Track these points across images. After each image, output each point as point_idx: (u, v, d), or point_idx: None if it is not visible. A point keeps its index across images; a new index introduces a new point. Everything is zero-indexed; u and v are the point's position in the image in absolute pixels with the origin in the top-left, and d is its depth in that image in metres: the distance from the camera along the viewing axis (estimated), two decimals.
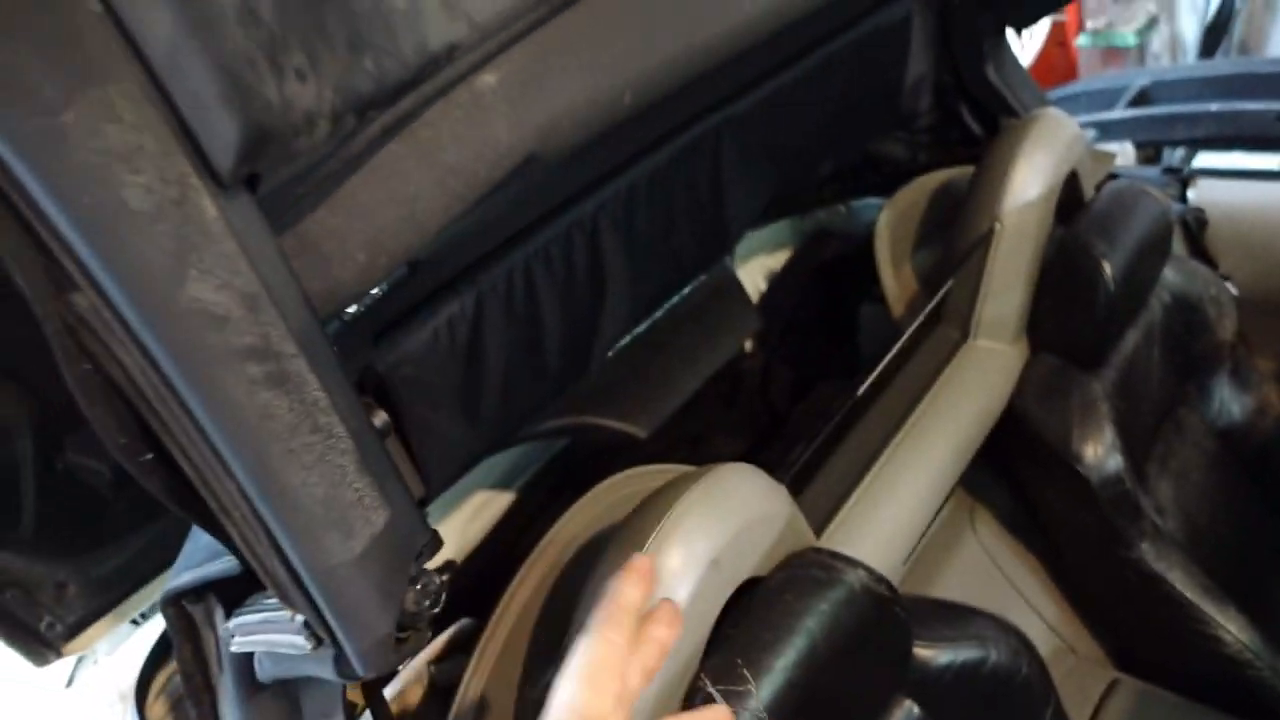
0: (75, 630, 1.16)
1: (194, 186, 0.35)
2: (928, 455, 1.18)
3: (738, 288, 1.44)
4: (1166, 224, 1.34)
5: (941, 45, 1.57)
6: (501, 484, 1.45)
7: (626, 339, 1.26)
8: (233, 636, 0.57)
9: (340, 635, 0.45)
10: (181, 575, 0.62)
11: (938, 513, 1.42)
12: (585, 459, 1.54)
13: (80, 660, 1.23)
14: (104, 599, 1.18)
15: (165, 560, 1.22)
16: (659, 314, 1.33)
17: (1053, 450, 1.23)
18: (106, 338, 0.37)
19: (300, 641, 0.48)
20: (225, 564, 0.57)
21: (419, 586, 0.50)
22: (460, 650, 1.10)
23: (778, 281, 1.98)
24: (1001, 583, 1.40)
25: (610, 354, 1.22)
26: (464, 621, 1.16)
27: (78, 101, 0.30)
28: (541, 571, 0.94)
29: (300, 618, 0.48)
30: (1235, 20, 3.98)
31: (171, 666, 1.21)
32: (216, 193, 0.36)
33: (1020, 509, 1.42)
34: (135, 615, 1.25)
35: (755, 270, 1.97)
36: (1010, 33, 1.60)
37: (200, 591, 0.63)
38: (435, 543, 0.49)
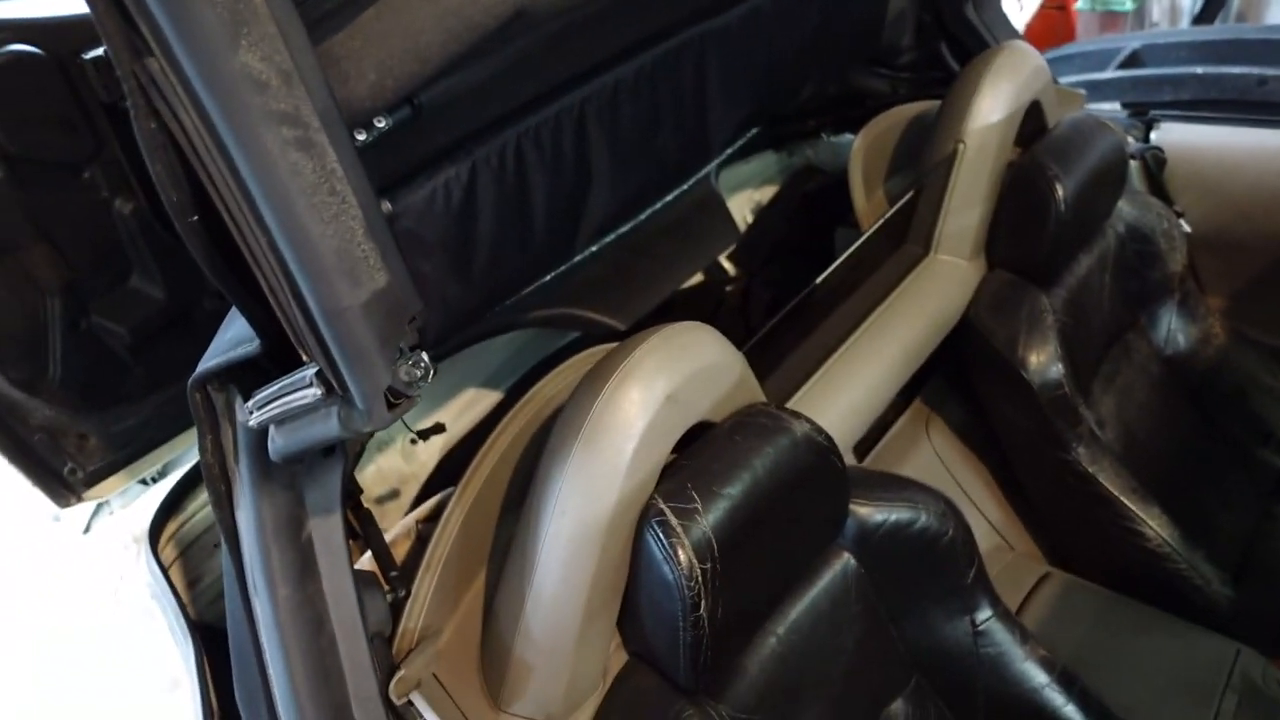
0: (95, 479, 1.27)
1: None
2: (883, 351, 1.28)
3: (719, 202, 1.54)
4: (1122, 156, 1.43)
5: None
6: (490, 384, 1.56)
7: (611, 237, 1.36)
8: (250, 414, 0.68)
9: (347, 377, 0.56)
10: (209, 362, 0.72)
11: (895, 419, 1.53)
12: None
13: (98, 509, 1.34)
14: (121, 453, 1.29)
15: (174, 429, 1.33)
16: (642, 219, 1.42)
17: (1000, 356, 1.34)
18: (170, 98, 0.47)
19: (312, 392, 0.58)
20: (248, 348, 0.67)
21: (410, 362, 0.60)
22: None
23: (763, 212, 2.08)
24: (951, 485, 1.51)
25: (595, 250, 1.32)
26: (451, 489, 1.28)
27: None
28: (519, 425, 1.05)
29: (312, 369, 0.58)
30: None
31: (182, 516, 1.33)
32: None
33: (972, 420, 1.53)
34: (147, 475, 1.36)
35: (743, 202, 2.07)
36: None
37: (223, 377, 0.73)
38: (424, 314, 0.59)
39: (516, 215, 1.01)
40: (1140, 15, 3.96)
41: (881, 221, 1.34)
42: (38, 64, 1.02)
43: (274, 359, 0.67)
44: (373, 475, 1.43)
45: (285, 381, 0.62)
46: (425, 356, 0.61)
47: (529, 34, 0.70)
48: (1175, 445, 1.53)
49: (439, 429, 1.23)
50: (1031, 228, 1.35)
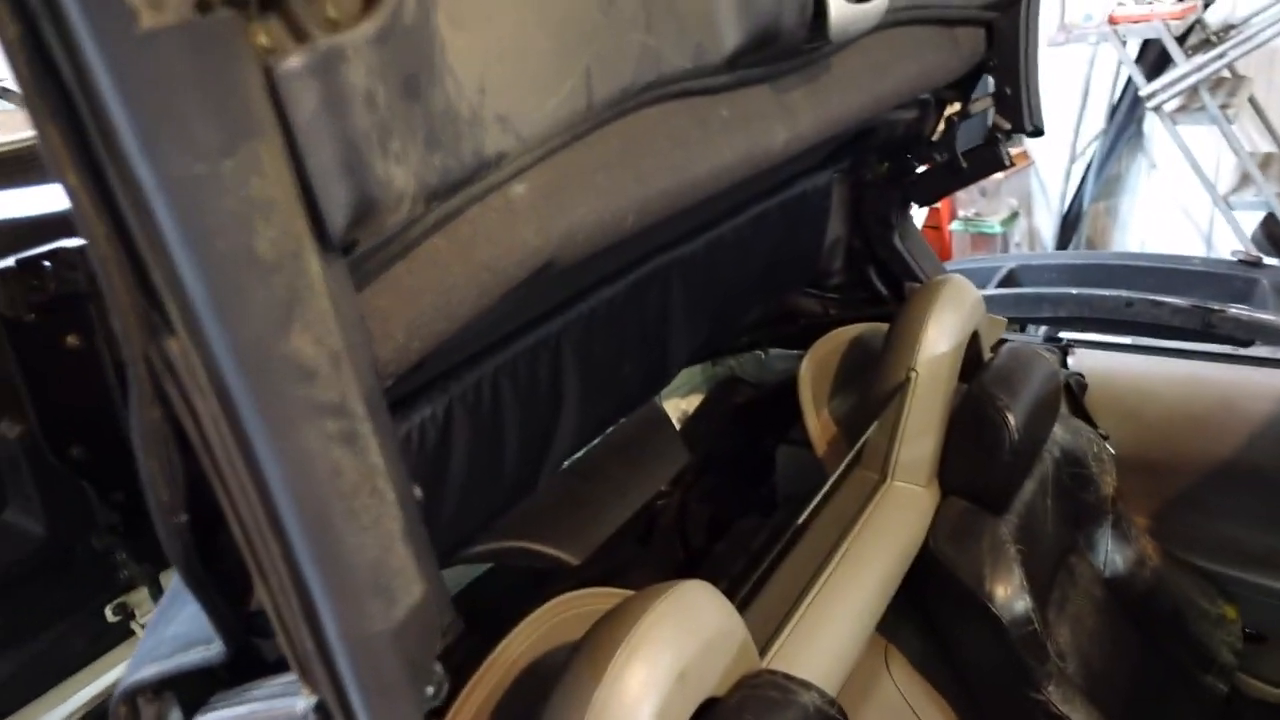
0: None
1: (306, 244, 0.37)
2: (857, 589, 1.21)
3: (667, 423, 1.49)
4: (1057, 382, 1.47)
5: (855, 214, 1.73)
6: None
7: (564, 465, 1.28)
8: None
9: (362, 716, 0.44)
10: (143, 668, 0.58)
11: None
12: (500, 590, 1.50)
13: None
14: None
15: (29, 693, 1.11)
16: (594, 445, 1.35)
17: (967, 590, 1.29)
18: (187, 385, 0.37)
19: None
20: (207, 653, 0.54)
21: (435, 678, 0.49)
22: None
23: (691, 423, 2.05)
24: None
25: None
26: None
27: (238, 150, 0.33)
28: (482, 695, 0.91)
29: (308, 702, 0.46)
30: (1083, 220, 4.52)
31: None
32: (322, 253, 0.38)
33: (933, 651, 1.46)
34: None
35: (670, 410, 2.03)
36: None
37: (160, 687, 0.58)
38: (455, 625, 0.48)
39: (489, 451, 0.92)
40: (1006, 238, 4.37)
41: (852, 455, 1.31)
42: None
43: (233, 666, 0.54)
44: None
45: (260, 707, 0.49)
46: (439, 668, 0.50)
47: (548, 277, 0.64)
48: (1127, 674, 1.50)
49: None
50: (985, 456, 1.35)
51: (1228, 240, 4.05)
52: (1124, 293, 2.49)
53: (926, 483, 1.41)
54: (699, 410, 2.08)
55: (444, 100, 0.48)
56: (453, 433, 0.85)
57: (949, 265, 3.05)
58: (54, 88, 0.32)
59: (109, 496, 1.09)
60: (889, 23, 1.07)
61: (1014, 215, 4.30)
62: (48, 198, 1.01)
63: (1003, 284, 3.05)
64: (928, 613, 1.42)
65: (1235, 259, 2.68)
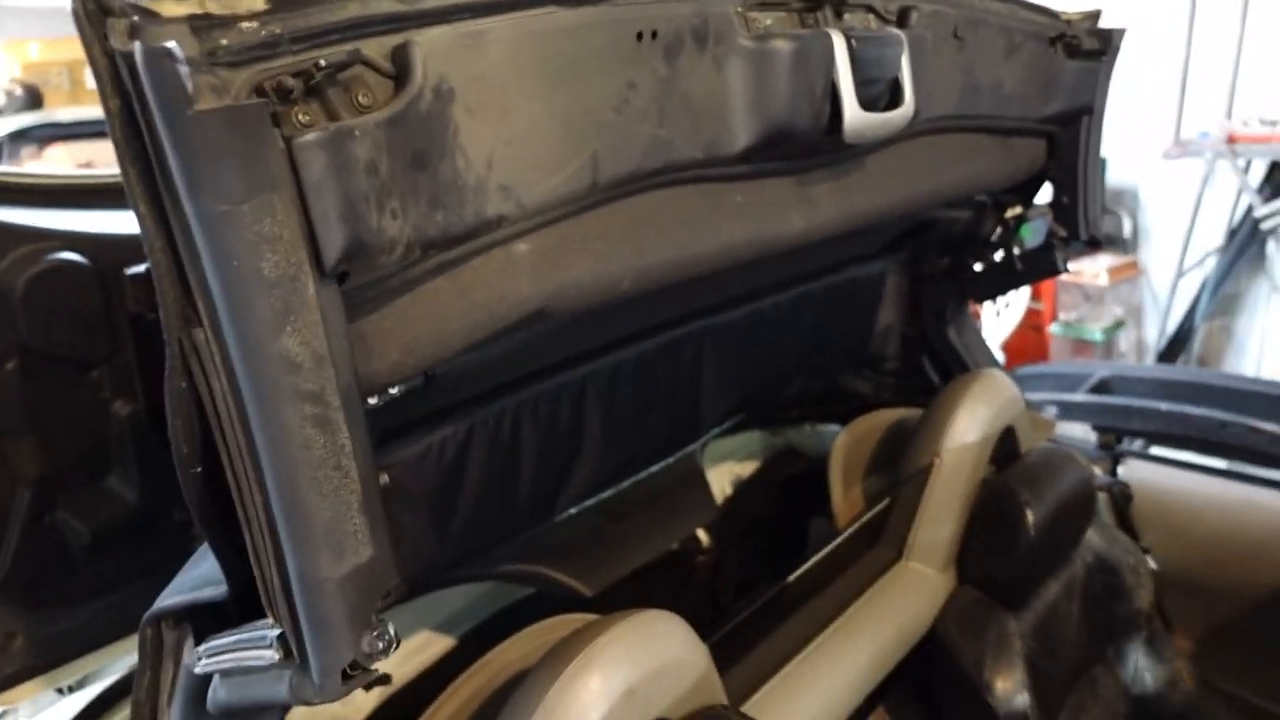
0: (9, 683, 1.19)
1: (305, 271, 0.50)
2: (849, 656, 1.26)
3: (700, 476, 1.57)
4: (1089, 488, 1.48)
5: (911, 304, 1.79)
6: (442, 630, 1.51)
7: (591, 502, 1.38)
8: (200, 659, 0.65)
9: (309, 646, 0.55)
10: (169, 599, 0.71)
11: None
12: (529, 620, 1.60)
13: (2, 715, 1.25)
14: (44, 658, 1.22)
15: (106, 638, 1.27)
16: (625, 486, 1.45)
17: (967, 677, 1.31)
18: (207, 365, 0.50)
19: (270, 654, 0.57)
20: (214, 592, 0.66)
21: (375, 632, 0.60)
22: None
23: (742, 488, 2.11)
24: None
25: (573, 512, 1.33)
26: None
27: (256, 197, 0.46)
28: (468, 692, 1.01)
29: (275, 631, 0.57)
30: (1195, 337, 4.37)
31: None
32: (318, 279, 0.50)
33: None
34: (65, 684, 1.28)
35: (723, 474, 2.11)
36: (987, 311, 1.82)
37: (180, 616, 0.71)
38: (399, 589, 0.59)
39: (504, 477, 1.04)
40: (1109, 345, 4.26)
41: (856, 526, 1.37)
42: (79, 271, 1.08)
43: (238, 607, 0.66)
44: (302, 715, 1.35)
45: (244, 636, 0.61)
46: (391, 629, 0.61)
47: (543, 326, 0.75)
48: None
49: (384, 679, 1.17)
50: (1002, 549, 1.38)
51: None
52: (1219, 413, 2.42)
53: (942, 567, 1.44)
54: (751, 477, 2.15)
55: (451, 171, 0.61)
56: (470, 453, 0.97)
57: (1044, 368, 3.03)
58: (136, 143, 0.46)
59: None
60: (929, 129, 1.15)
61: (1118, 324, 4.20)
62: None
63: (1093, 391, 3.00)
64: (932, 698, 1.44)
65: None
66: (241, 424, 0.51)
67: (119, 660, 1.30)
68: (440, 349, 0.66)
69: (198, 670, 0.66)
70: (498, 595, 1.55)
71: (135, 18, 0.44)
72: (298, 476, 0.51)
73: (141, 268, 1.12)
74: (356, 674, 0.59)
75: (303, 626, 0.55)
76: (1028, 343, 4.42)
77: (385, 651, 0.60)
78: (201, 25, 0.46)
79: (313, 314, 0.50)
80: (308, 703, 0.59)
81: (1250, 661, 1.66)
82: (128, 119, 0.45)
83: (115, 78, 0.44)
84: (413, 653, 1.45)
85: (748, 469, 2.16)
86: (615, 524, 1.42)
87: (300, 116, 0.51)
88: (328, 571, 0.53)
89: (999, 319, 4.11)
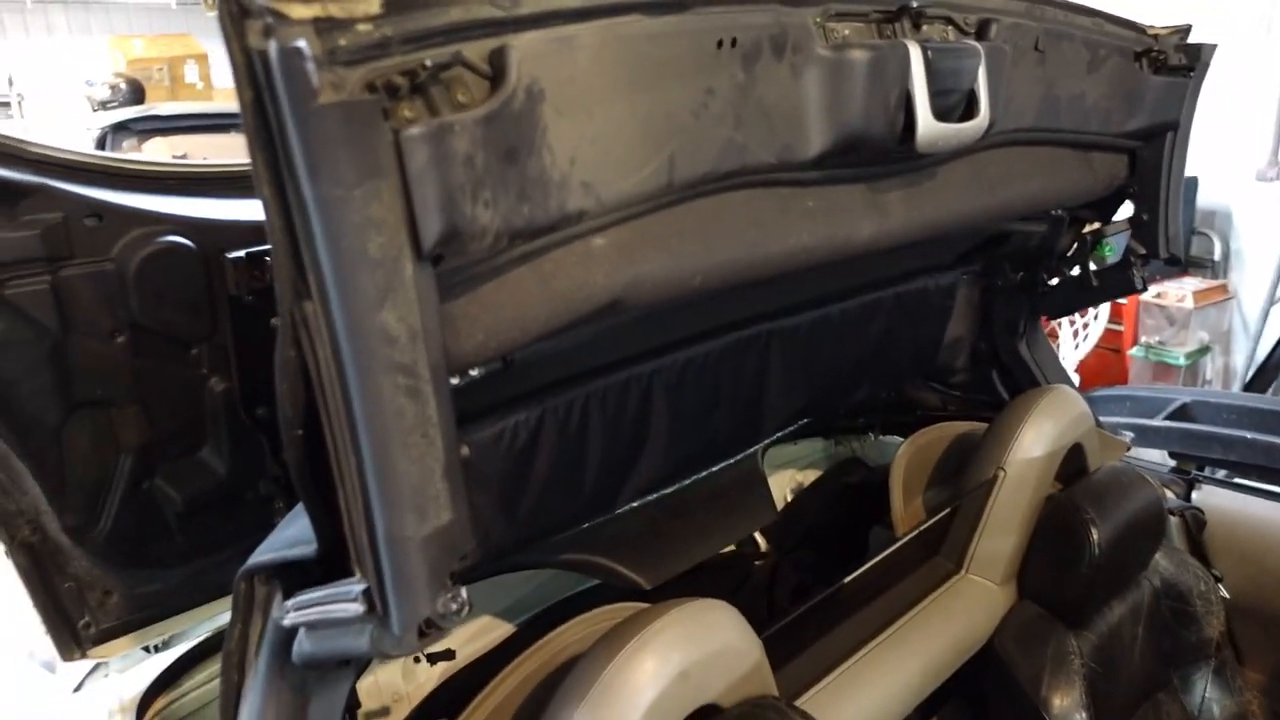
0: (104, 637, 1.28)
1: (405, 253, 0.54)
2: (902, 663, 1.26)
3: (761, 479, 1.59)
4: (1159, 510, 1.46)
5: (983, 317, 1.78)
6: (505, 615, 1.56)
7: (653, 497, 1.41)
8: (289, 612, 0.71)
9: (391, 601, 0.59)
10: (263, 555, 0.77)
11: None
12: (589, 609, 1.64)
13: (94, 669, 1.34)
14: (137, 616, 1.30)
15: (192, 601, 1.36)
16: (687, 483, 1.48)
17: (1023, 692, 1.31)
18: (315, 335, 0.55)
19: (355, 607, 0.62)
20: (305, 549, 0.72)
21: (450, 595, 0.64)
22: None
23: (803, 495, 2.12)
24: None
25: (635, 506, 1.37)
26: None
27: (365, 183, 0.50)
28: (527, 670, 1.05)
29: (360, 586, 0.62)
30: None
31: (175, 692, 1.32)
32: (415, 261, 0.55)
33: None
34: (152, 643, 1.37)
35: (785, 481, 2.12)
36: (1066, 331, 1.79)
37: (271, 572, 0.77)
38: (474, 553, 0.63)
39: (571, 465, 1.08)
40: (1194, 371, 4.12)
41: (916, 531, 1.37)
42: (186, 254, 1.16)
43: (325, 566, 0.71)
44: (368, 687, 1.41)
45: (331, 590, 0.66)
46: (464, 593, 0.65)
47: (618, 317, 0.79)
48: None
49: (449, 655, 1.22)
50: (1064, 565, 1.37)
51: None
52: None
53: (1002, 581, 1.43)
54: (813, 484, 2.16)
55: (539, 167, 0.65)
56: (541, 439, 1.01)
57: (1122, 390, 2.96)
58: (264, 132, 0.51)
59: (279, 454, 1.33)
60: (1005, 141, 1.16)
61: (1204, 349, 4.06)
62: None
63: (1173, 417, 2.91)
64: (985, 712, 1.43)
65: None
66: (342, 391, 0.55)
67: (203, 623, 1.38)
68: (521, 334, 0.70)
69: (286, 623, 0.71)
70: (559, 584, 1.59)
71: (269, 19, 0.49)
72: (389, 442, 0.56)
73: (242, 253, 1.20)
74: (431, 632, 0.64)
75: (386, 582, 0.59)
76: (1106, 365, 4.30)
77: (459, 613, 0.64)
78: (324, 27, 0.51)
79: (410, 293, 0.55)
80: (386, 655, 0.63)
81: None
82: (258, 110, 0.50)
83: (250, 72, 0.49)
84: (476, 635, 1.50)
85: (809, 476, 2.17)
86: (676, 520, 1.46)
87: (406, 112, 0.55)
88: (411, 531, 0.58)
89: (1076, 341, 4.02)
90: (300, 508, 0.81)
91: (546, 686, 1.01)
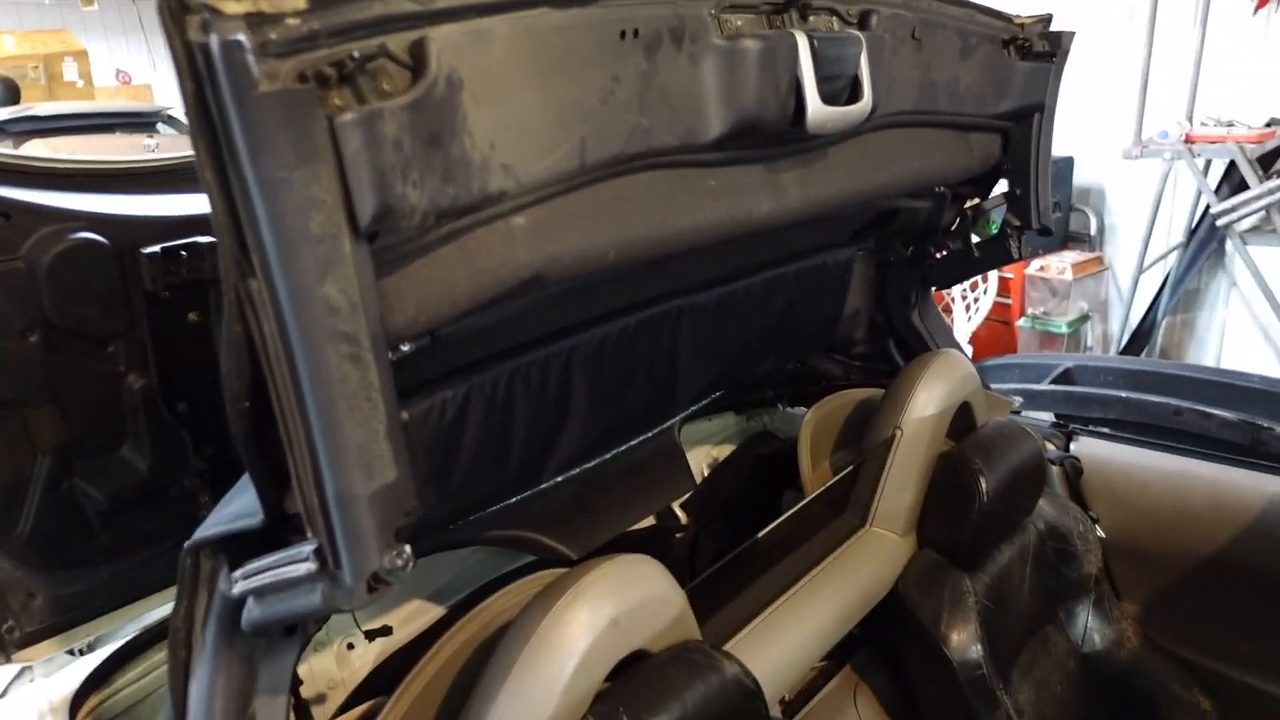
0: (29, 641, 1.27)
1: (343, 230, 0.59)
2: (815, 611, 1.36)
3: (679, 452, 1.67)
4: (1040, 459, 1.60)
5: (877, 290, 1.90)
6: (437, 597, 1.60)
7: (577, 471, 1.47)
8: (237, 582, 0.74)
9: (343, 555, 0.64)
10: (209, 529, 0.80)
11: (824, 684, 1.58)
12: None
13: (19, 673, 1.33)
14: (62, 618, 1.30)
15: (119, 601, 1.35)
16: (607, 458, 1.54)
17: (925, 630, 1.42)
18: (260, 311, 0.59)
19: (308, 565, 0.66)
20: (251, 521, 0.75)
21: (395, 552, 0.69)
22: None
23: (718, 469, 2.21)
24: None
25: (559, 481, 1.43)
26: (383, 698, 1.29)
27: (305, 166, 0.55)
28: (462, 638, 1.10)
29: (312, 545, 0.66)
30: (1157, 331, 4.51)
31: (107, 690, 1.31)
32: (353, 237, 0.60)
33: (899, 693, 1.57)
34: (78, 645, 1.36)
35: (701, 456, 2.21)
36: (959, 305, 1.93)
37: (218, 545, 0.80)
38: (417, 509, 0.68)
39: (498, 439, 1.13)
40: (1076, 338, 4.41)
41: (824, 489, 1.47)
42: (99, 250, 1.16)
43: (269, 539, 0.75)
44: (303, 674, 1.43)
45: (282, 554, 0.70)
46: (408, 549, 0.70)
47: (539, 292, 0.85)
48: None
49: (386, 631, 1.26)
50: (956, 514, 1.49)
51: None
52: (1173, 401, 2.54)
53: (903, 533, 1.55)
54: (728, 458, 2.25)
55: (460, 151, 0.70)
56: (468, 415, 1.06)
57: (1012, 359, 3.15)
58: (206, 120, 0.55)
59: (202, 448, 1.34)
60: (888, 123, 1.26)
61: (1084, 318, 4.35)
62: (191, 203, 1.27)
63: (1057, 381, 3.12)
64: (894, 656, 1.54)
65: None
66: (288, 361, 0.59)
67: (129, 624, 1.38)
68: (449, 308, 0.75)
69: (235, 592, 0.74)
70: (488, 564, 1.64)
71: (206, 15, 0.53)
72: (335, 406, 0.60)
73: (157, 248, 1.21)
74: (379, 586, 0.68)
75: (338, 538, 0.64)
76: (997, 336, 4.56)
77: (404, 568, 0.69)
78: (255, 21, 0.55)
79: (349, 267, 0.59)
80: (337, 608, 0.68)
81: (1190, 622, 1.78)
82: (200, 100, 0.54)
83: (192, 65, 0.53)
84: (410, 618, 1.54)
85: (724, 450, 2.26)
86: (599, 493, 1.52)
87: (336, 100, 0.60)
88: (360, 489, 0.62)
89: (969, 314, 4.25)
90: (241, 484, 0.84)
91: (484, 649, 1.06)
